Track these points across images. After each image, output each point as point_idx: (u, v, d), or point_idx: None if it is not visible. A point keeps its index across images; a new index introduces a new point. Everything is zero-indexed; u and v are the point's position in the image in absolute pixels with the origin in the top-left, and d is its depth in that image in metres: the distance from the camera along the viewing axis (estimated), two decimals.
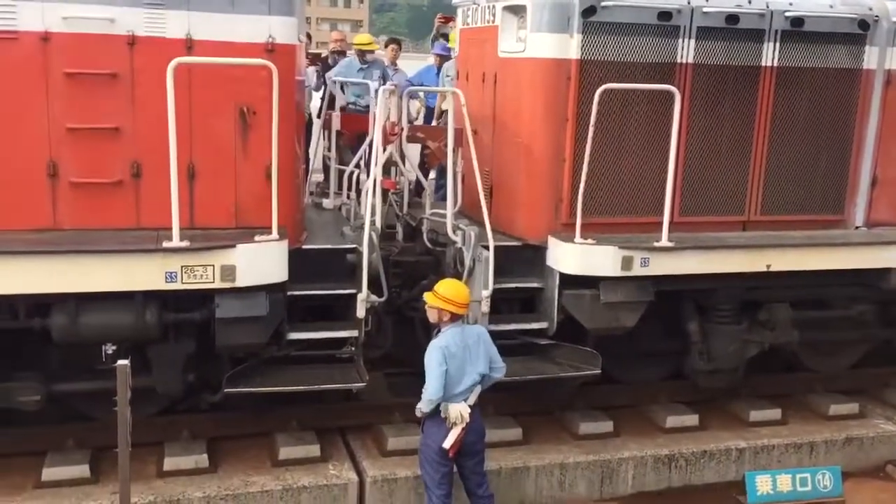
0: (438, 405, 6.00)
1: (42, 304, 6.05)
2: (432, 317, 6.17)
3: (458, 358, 5.98)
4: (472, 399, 6.06)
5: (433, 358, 5.95)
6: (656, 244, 7.04)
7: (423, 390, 5.99)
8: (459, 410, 5.96)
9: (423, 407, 5.99)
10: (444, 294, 6.06)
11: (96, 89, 6.04)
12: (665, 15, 7.11)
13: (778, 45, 7.46)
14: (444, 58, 11.60)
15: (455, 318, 6.10)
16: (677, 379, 8.33)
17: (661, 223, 7.06)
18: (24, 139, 5.97)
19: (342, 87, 9.41)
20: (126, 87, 6.09)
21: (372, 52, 10.94)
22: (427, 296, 6.16)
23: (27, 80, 5.91)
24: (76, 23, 5.91)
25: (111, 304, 6.05)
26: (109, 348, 6.28)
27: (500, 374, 6.26)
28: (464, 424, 5.97)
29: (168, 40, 6.08)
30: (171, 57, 5.80)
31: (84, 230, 6.15)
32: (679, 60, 7.24)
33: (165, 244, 5.94)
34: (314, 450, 6.93)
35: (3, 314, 6.09)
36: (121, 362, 5.26)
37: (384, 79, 10.26)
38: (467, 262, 6.92)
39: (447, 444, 5.98)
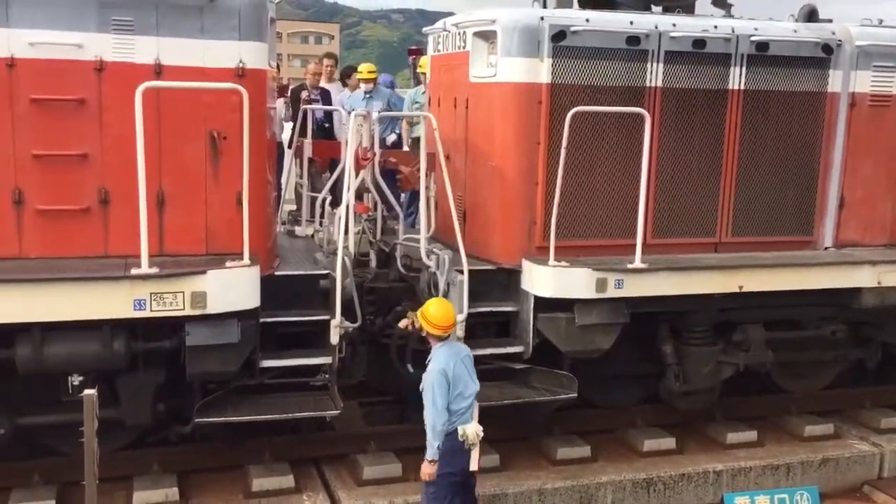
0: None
1: (6, 334, 5.89)
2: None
3: (459, 373, 5.89)
4: (476, 414, 5.99)
5: (437, 385, 5.80)
6: (630, 266, 7.06)
7: (428, 425, 5.83)
8: (475, 430, 5.90)
9: (430, 454, 5.80)
10: (428, 315, 5.99)
11: (63, 115, 5.97)
12: (633, 39, 7.21)
13: (744, 68, 7.59)
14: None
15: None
16: (654, 402, 8.30)
17: (634, 245, 7.09)
18: None
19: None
20: (94, 113, 6.03)
21: (374, 81, 10.97)
22: (418, 315, 6.07)
23: None
24: (43, 48, 5.86)
25: (78, 334, 5.92)
26: (76, 379, 6.09)
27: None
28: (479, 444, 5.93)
29: (137, 66, 6.04)
30: (139, 82, 5.77)
31: (51, 259, 6.03)
32: (648, 84, 7.33)
33: (134, 271, 5.84)
34: (288, 481, 6.79)
35: None
36: (87, 392, 5.13)
37: (390, 108, 10.36)
38: (441, 286, 6.89)
39: (474, 465, 5.92)
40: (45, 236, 6.06)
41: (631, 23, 7.25)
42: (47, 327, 5.85)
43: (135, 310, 5.87)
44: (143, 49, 6.06)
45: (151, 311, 5.90)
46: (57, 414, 6.30)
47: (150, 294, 5.88)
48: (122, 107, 5.84)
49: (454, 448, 5.87)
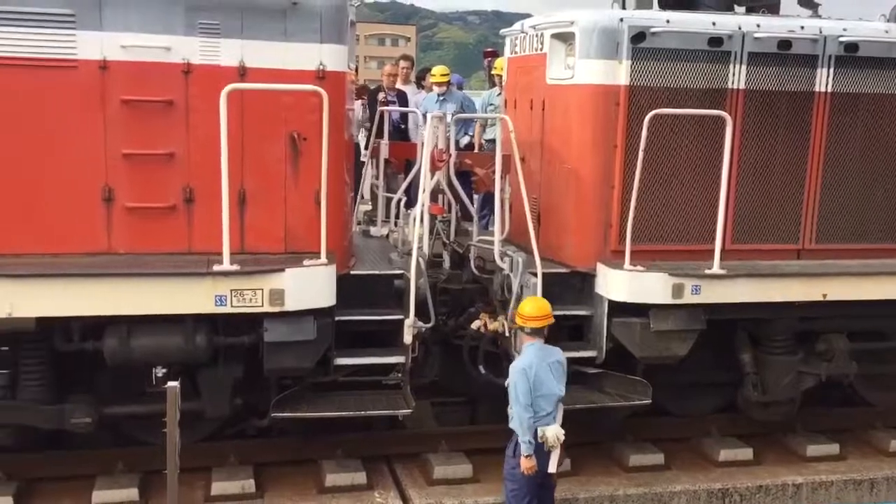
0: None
1: (95, 326, 6.14)
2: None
3: (541, 377, 5.88)
4: (560, 418, 5.96)
5: (518, 382, 5.85)
6: (708, 271, 6.92)
7: (516, 421, 5.87)
8: (556, 433, 5.86)
9: (524, 449, 5.82)
10: (521, 311, 6.06)
11: (152, 116, 6.18)
12: (716, 41, 7.07)
13: (832, 70, 7.36)
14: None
15: (535, 334, 6.03)
16: (730, 411, 8.11)
17: (712, 251, 6.95)
18: (82, 165, 6.12)
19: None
20: (181, 114, 6.22)
21: (447, 83, 11.01)
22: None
23: (86, 107, 6.08)
24: (134, 51, 6.07)
25: (162, 327, 6.12)
26: (160, 371, 6.30)
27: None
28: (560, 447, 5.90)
29: (222, 68, 6.21)
30: (224, 84, 5.92)
31: (137, 254, 6.25)
32: (730, 86, 7.17)
33: (215, 268, 6.01)
34: (360, 477, 6.89)
35: (58, 336, 6.18)
36: (171, 384, 5.31)
37: (463, 110, 10.38)
38: (515, 288, 6.86)
39: (552, 468, 5.91)
40: (133, 232, 6.28)
41: (713, 23, 7.11)
42: (134, 320, 6.06)
43: (216, 305, 6.04)
44: (228, 51, 6.22)
45: (232, 306, 6.06)
46: (141, 405, 6.52)
47: (231, 290, 6.04)
48: (208, 108, 6.02)
49: (534, 448, 5.86)
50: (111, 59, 6.05)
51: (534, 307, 6.09)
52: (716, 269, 6.93)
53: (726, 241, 7.12)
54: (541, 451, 5.88)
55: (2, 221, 6.02)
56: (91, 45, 6.01)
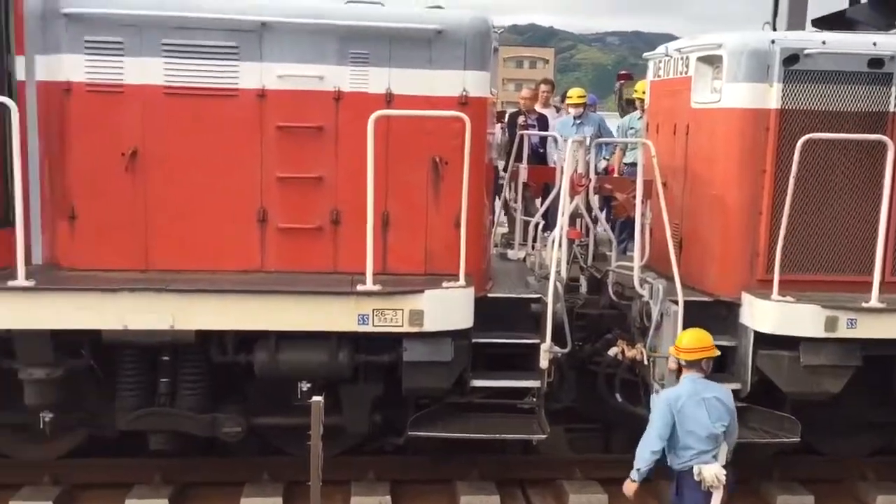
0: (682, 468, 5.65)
1: (248, 340, 6.46)
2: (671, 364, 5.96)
3: (689, 411, 5.56)
4: (723, 458, 5.62)
5: (657, 411, 5.66)
6: (865, 305, 6.55)
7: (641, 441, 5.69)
8: (714, 473, 5.53)
9: (639, 464, 5.61)
10: (678, 342, 5.84)
11: (304, 141, 6.49)
12: (876, 62, 6.72)
13: None
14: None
15: (691, 367, 5.73)
16: (889, 454, 7.60)
17: (869, 283, 6.58)
18: (241, 187, 6.49)
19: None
20: (331, 139, 6.50)
21: (583, 105, 10.95)
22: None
23: (244, 134, 6.45)
24: (290, 80, 6.40)
25: (308, 343, 6.37)
26: (305, 385, 6.55)
27: (731, 439, 5.75)
28: (722, 488, 5.55)
29: (370, 95, 6.45)
30: (372, 111, 6.15)
31: (287, 272, 6.55)
32: (892, 109, 6.80)
33: (359, 287, 6.21)
34: (494, 500, 6.90)
35: (213, 348, 6.54)
36: (315, 398, 5.51)
37: (601, 134, 10.31)
38: (654, 316, 6.72)
39: None
40: (283, 252, 6.59)
41: (874, 44, 6.77)
42: (282, 336, 6.34)
43: (358, 324, 6.24)
44: (376, 79, 6.46)
45: (373, 325, 6.24)
46: (287, 417, 6.76)
47: (373, 310, 6.23)
48: (356, 133, 6.26)
49: (692, 486, 5.59)
50: (269, 88, 6.40)
51: (691, 339, 5.78)
52: (874, 301, 6.55)
53: (886, 273, 6.71)
54: (699, 490, 5.56)
55: (169, 239, 6.46)
56: (251, 74, 6.38)
